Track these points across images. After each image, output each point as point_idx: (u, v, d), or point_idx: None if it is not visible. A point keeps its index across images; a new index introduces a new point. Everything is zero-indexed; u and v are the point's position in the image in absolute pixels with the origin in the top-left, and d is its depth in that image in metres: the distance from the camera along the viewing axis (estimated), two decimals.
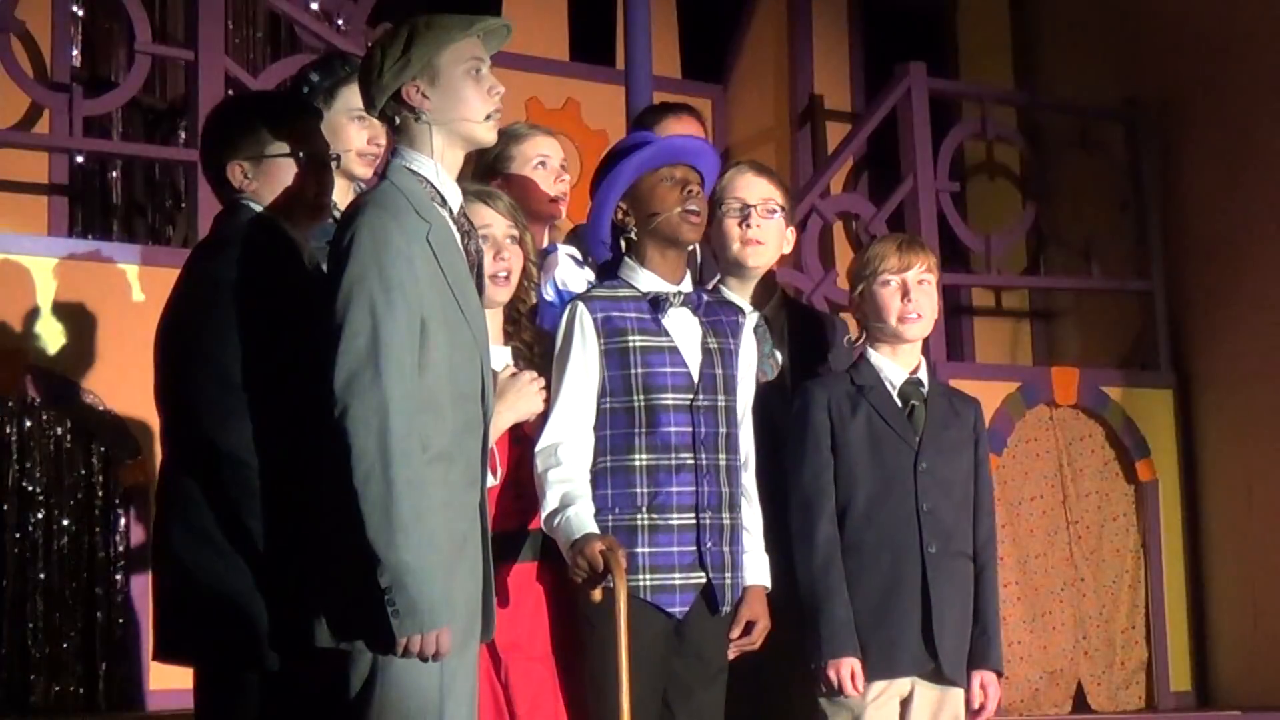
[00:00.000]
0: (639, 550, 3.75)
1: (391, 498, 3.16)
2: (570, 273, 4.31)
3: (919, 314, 4.08)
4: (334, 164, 3.77)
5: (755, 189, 4.19)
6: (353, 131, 4.19)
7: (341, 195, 4.23)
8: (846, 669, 3.93)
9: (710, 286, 4.18)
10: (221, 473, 3.41)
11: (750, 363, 4.01)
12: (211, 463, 3.42)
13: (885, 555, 3.99)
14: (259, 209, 3.61)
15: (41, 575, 5.54)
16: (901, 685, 4.01)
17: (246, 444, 3.39)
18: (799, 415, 4.05)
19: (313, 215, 3.70)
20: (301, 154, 3.64)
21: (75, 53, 7.00)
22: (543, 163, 4.36)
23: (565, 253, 4.36)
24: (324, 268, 3.63)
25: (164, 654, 3.57)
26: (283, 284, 3.50)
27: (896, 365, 4.10)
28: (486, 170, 4.28)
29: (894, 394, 4.08)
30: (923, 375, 4.13)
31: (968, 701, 4.06)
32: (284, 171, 3.63)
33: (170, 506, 3.53)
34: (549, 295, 4.18)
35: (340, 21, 7.13)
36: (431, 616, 3.18)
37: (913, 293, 4.07)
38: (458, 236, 3.45)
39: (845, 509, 4.01)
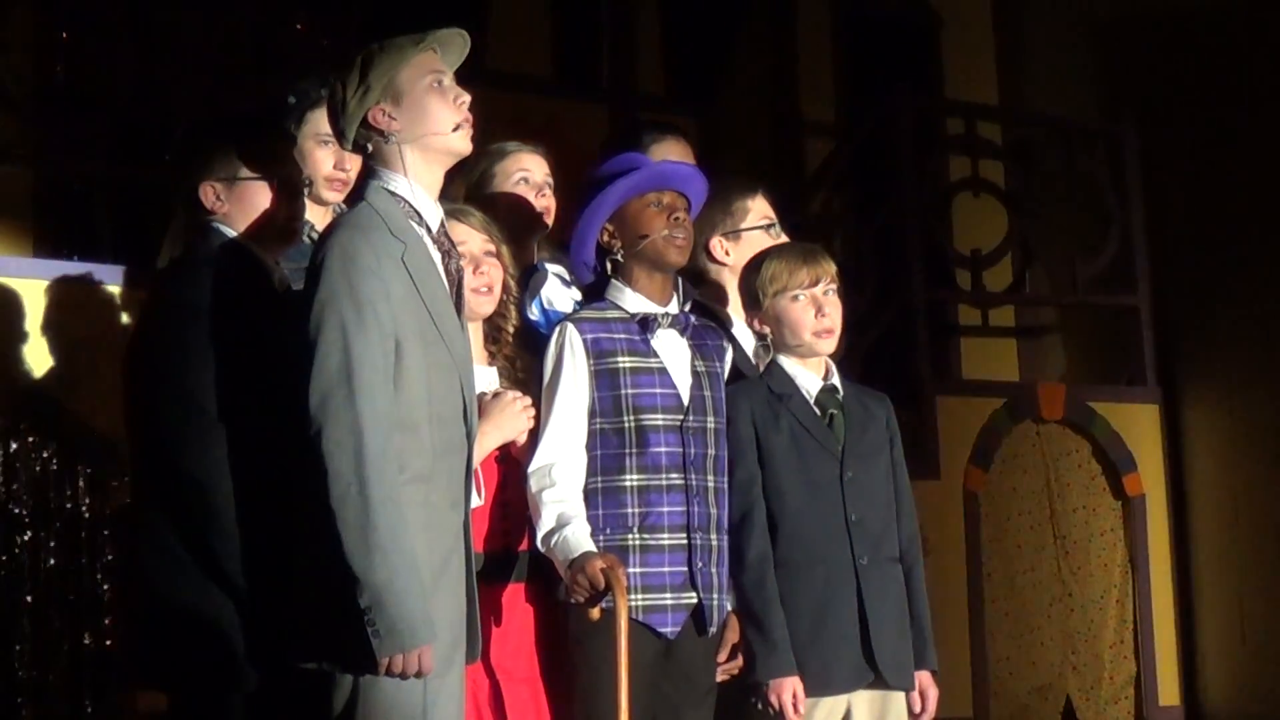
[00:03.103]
0: (631, 570, 3.73)
1: (368, 517, 3.14)
2: (556, 291, 4.31)
3: (832, 327, 4.02)
4: (306, 188, 3.77)
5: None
6: (320, 156, 4.19)
7: (318, 218, 4.22)
8: (789, 691, 3.85)
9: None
10: (183, 496, 3.40)
11: None
12: (174, 486, 3.42)
13: (818, 570, 3.92)
14: (230, 232, 3.60)
15: (28, 598, 5.52)
16: (839, 704, 3.95)
17: (207, 468, 3.38)
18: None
19: (283, 239, 3.69)
20: (274, 177, 3.63)
21: (59, 73, 6.99)
22: (525, 178, 4.36)
23: (552, 271, 4.35)
24: (296, 290, 3.63)
25: (135, 680, 3.56)
26: (250, 307, 3.49)
27: (809, 372, 4.04)
28: (473, 190, 4.27)
29: (811, 403, 4.02)
30: (835, 381, 4.07)
31: (910, 704, 4.03)
32: (256, 194, 3.62)
33: (139, 531, 3.53)
34: (534, 314, 4.17)
35: (326, 42, 7.13)
36: (412, 636, 3.16)
37: (824, 307, 4.00)
38: (437, 257, 3.44)
39: (774, 524, 3.94)
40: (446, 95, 3.44)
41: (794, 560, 3.94)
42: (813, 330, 3.99)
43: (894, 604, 3.99)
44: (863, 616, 3.93)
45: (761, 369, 4.13)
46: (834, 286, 4.03)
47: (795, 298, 4.00)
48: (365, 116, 3.40)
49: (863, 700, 3.97)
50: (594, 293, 4.03)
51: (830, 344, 4.03)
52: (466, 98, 3.46)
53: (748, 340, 4.22)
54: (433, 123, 3.42)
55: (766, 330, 4.04)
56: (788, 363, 4.04)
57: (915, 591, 4.06)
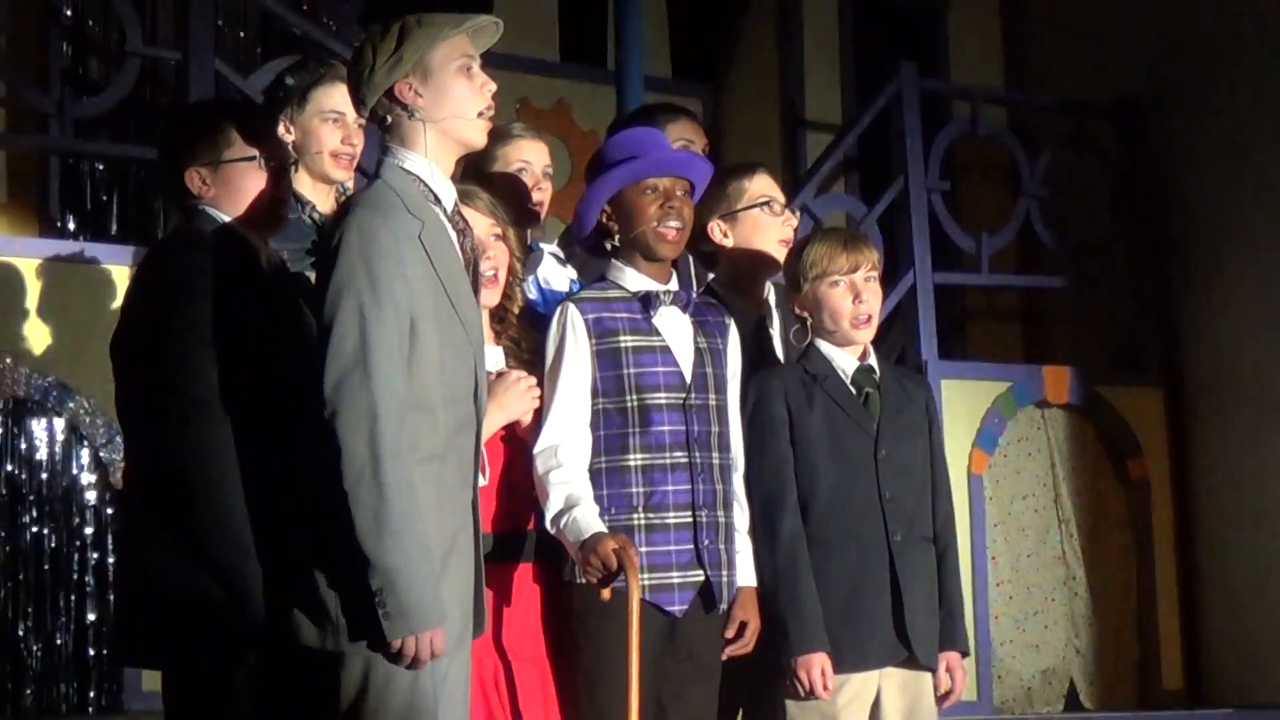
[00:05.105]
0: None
1: (382, 501, 3.14)
2: (553, 271, 4.31)
3: (870, 314, 4.05)
4: (292, 167, 3.76)
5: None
6: (325, 132, 4.18)
7: (320, 198, 4.21)
8: (817, 666, 3.88)
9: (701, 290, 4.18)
10: (165, 476, 3.40)
11: (737, 365, 4.01)
12: (157, 466, 3.42)
13: (851, 546, 3.96)
14: (218, 215, 3.60)
15: (34, 577, 5.54)
16: (869, 683, 3.98)
17: (191, 449, 3.37)
18: (756, 408, 4.01)
19: (271, 220, 3.68)
20: (259, 158, 3.62)
21: (66, 54, 6.99)
22: (523, 169, 4.34)
23: (548, 251, 4.36)
24: (288, 269, 3.62)
25: (121, 658, 3.56)
26: (234, 287, 3.47)
27: (846, 354, 4.07)
28: (472, 168, 4.26)
29: (847, 382, 4.04)
30: (872, 362, 4.09)
31: (936, 685, 4.05)
32: (242, 177, 3.61)
33: (129, 509, 3.53)
34: (531, 293, 4.18)
35: (330, 22, 7.13)
36: (422, 618, 3.17)
37: (863, 293, 4.03)
38: (453, 235, 3.44)
39: (807, 501, 3.96)
40: (474, 81, 3.43)
41: (827, 537, 3.96)
42: (850, 317, 4.02)
43: (926, 582, 4.02)
44: (896, 593, 3.95)
45: (797, 345, 4.15)
46: (875, 274, 4.06)
47: (835, 283, 4.02)
48: (391, 88, 3.39)
49: (894, 681, 3.99)
50: (594, 271, 4.03)
51: (868, 332, 4.06)
52: (493, 86, 3.46)
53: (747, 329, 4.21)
54: (457, 106, 3.41)
55: (806, 314, 4.06)
56: (825, 345, 4.07)
57: (949, 573, 4.09)
